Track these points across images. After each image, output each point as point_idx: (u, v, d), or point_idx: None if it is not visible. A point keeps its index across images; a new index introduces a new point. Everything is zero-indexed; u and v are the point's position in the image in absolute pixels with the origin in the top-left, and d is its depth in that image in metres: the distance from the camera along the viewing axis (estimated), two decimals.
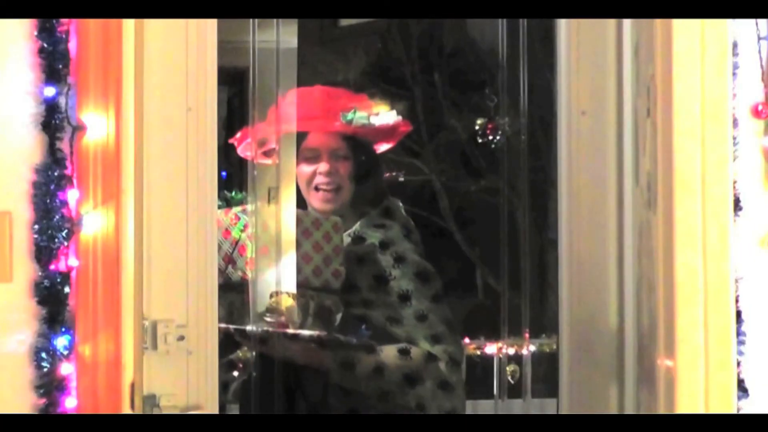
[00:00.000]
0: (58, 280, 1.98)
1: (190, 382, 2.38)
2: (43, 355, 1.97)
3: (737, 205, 2.02)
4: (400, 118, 3.16)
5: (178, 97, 2.18)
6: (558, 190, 3.27)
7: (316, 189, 2.99)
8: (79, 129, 1.99)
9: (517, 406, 3.90)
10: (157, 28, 2.14)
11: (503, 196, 3.86)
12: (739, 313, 2.01)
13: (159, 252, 2.28)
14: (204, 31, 2.22)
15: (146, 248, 2.09)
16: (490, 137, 5.35)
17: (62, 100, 1.99)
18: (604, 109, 3.20)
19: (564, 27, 3.25)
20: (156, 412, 2.12)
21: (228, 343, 2.76)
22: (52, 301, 1.98)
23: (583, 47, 3.22)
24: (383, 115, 3.11)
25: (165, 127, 2.29)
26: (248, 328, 2.74)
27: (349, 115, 3.06)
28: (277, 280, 2.89)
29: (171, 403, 2.24)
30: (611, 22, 3.17)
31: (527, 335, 3.90)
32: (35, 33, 2.00)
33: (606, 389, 3.20)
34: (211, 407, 2.25)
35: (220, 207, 2.98)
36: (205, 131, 2.24)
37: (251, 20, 2.87)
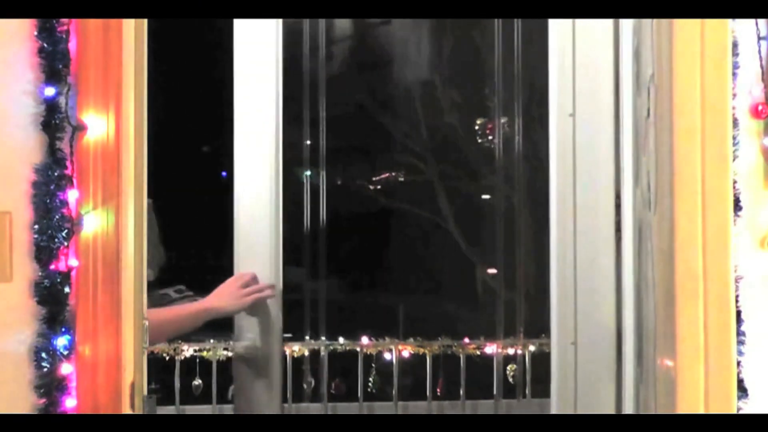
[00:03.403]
0: (58, 280, 1.98)
1: None
2: (43, 355, 1.97)
3: (737, 205, 2.02)
4: None
5: None
6: (549, 191, 3.28)
7: None
8: (79, 129, 1.99)
9: (516, 406, 3.90)
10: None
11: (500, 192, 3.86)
12: (739, 313, 2.01)
13: None
14: None
15: (146, 248, 2.09)
16: (490, 137, 5.35)
17: (62, 100, 1.99)
18: (599, 111, 3.21)
19: (556, 28, 3.26)
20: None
21: None
22: (52, 301, 1.98)
23: (578, 49, 3.23)
24: None
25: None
26: None
27: None
28: None
29: None
30: (607, 23, 3.18)
31: (521, 335, 3.90)
32: (35, 33, 2.00)
33: (605, 389, 3.20)
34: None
35: None
36: None
37: None
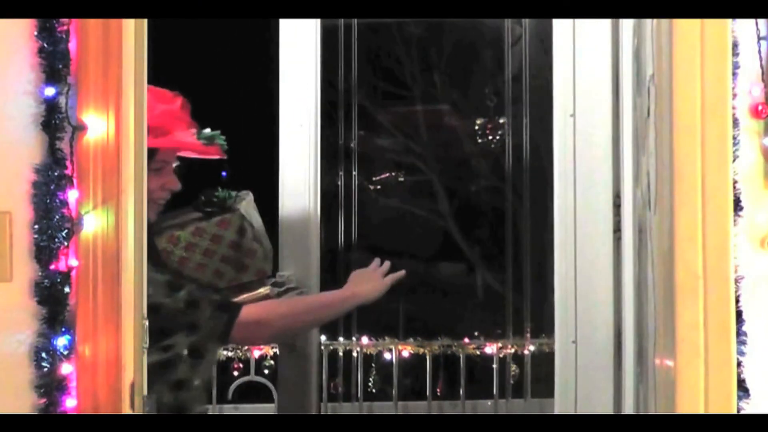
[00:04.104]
0: (58, 280, 1.98)
1: None
2: (43, 355, 1.97)
3: (737, 205, 2.02)
4: None
5: None
6: (553, 191, 3.29)
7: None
8: (79, 129, 1.99)
9: (516, 406, 3.90)
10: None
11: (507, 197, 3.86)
12: (739, 313, 2.01)
13: None
14: None
15: (146, 248, 2.09)
16: (490, 137, 5.35)
17: (62, 100, 1.99)
18: (599, 111, 3.21)
19: (556, 29, 3.26)
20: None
21: None
22: (52, 301, 1.98)
23: (578, 49, 3.23)
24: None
25: None
26: None
27: (213, 135, 2.91)
28: None
29: None
30: (607, 23, 3.18)
31: (528, 335, 3.91)
32: (35, 33, 2.00)
33: (605, 389, 3.20)
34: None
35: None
36: None
37: None
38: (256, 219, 3.09)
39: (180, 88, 2.78)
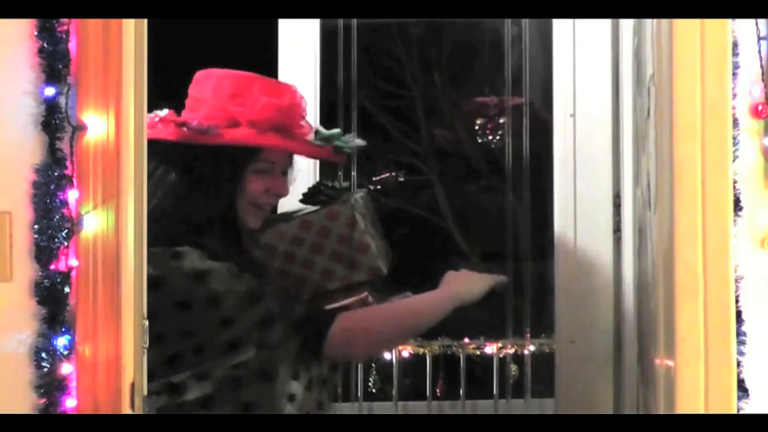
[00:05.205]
0: (58, 280, 1.98)
1: None
2: (43, 355, 1.97)
3: (737, 205, 2.02)
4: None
5: None
6: (553, 191, 3.29)
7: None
8: (79, 129, 1.99)
9: (516, 406, 3.90)
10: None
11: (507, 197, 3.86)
12: (739, 313, 2.01)
13: None
14: None
15: (146, 248, 2.09)
16: (490, 137, 5.35)
17: (62, 100, 1.98)
18: (599, 111, 3.21)
19: (556, 29, 3.27)
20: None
21: None
22: (52, 301, 1.98)
23: (579, 49, 3.23)
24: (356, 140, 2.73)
25: None
26: None
27: (332, 136, 2.65)
28: None
29: None
30: (608, 24, 3.18)
31: (528, 335, 3.90)
32: (35, 33, 2.00)
33: (605, 389, 3.20)
34: None
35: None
36: None
37: None
38: (370, 212, 2.75)
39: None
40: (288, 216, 2.71)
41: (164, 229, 2.38)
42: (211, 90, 2.53)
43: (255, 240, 2.59)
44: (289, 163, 2.61)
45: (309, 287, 2.62)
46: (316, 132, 2.62)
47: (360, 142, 2.71)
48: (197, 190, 2.47)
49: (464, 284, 2.65)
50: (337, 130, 2.65)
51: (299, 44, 3.33)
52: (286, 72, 3.31)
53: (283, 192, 2.58)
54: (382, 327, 2.54)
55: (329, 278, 2.62)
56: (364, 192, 2.81)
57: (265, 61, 3.36)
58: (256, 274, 2.44)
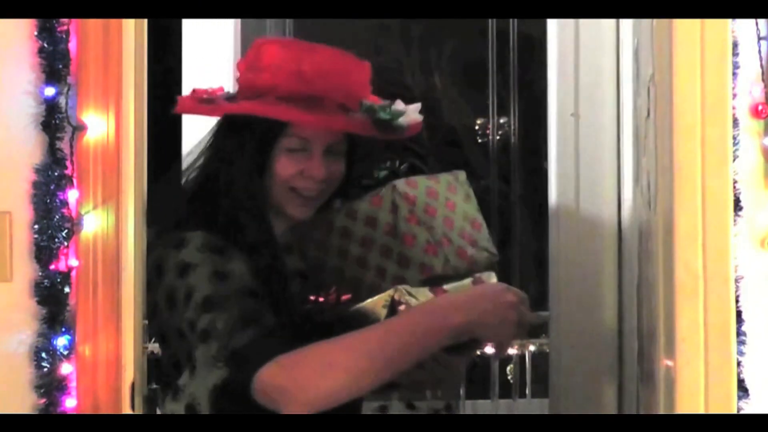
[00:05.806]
0: (58, 280, 1.98)
1: None
2: (43, 355, 1.97)
3: (737, 205, 2.02)
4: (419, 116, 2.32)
5: None
6: (548, 191, 3.29)
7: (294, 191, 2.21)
8: (79, 129, 1.99)
9: (516, 406, 3.90)
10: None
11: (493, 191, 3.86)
12: (739, 313, 2.01)
13: None
14: None
15: (146, 248, 2.09)
16: (490, 137, 5.36)
17: (62, 100, 1.99)
18: (600, 111, 3.21)
19: (556, 28, 3.27)
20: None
21: None
22: (52, 301, 1.98)
23: (581, 49, 3.23)
24: (408, 109, 2.29)
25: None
26: None
27: (373, 107, 2.22)
28: None
29: None
30: (608, 23, 3.18)
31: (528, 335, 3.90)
32: (35, 33, 2.00)
33: (605, 389, 3.20)
34: None
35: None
36: None
37: None
38: (420, 197, 2.18)
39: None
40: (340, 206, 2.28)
41: (194, 212, 2.18)
42: (250, 58, 2.22)
43: (304, 232, 2.23)
44: (339, 141, 2.21)
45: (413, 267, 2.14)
46: (377, 109, 2.21)
47: (401, 107, 2.27)
48: (219, 166, 2.19)
49: (483, 312, 2.03)
50: (400, 109, 2.25)
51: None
52: None
53: (316, 174, 2.17)
54: (338, 370, 2.01)
55: (382, 279, 2.15)
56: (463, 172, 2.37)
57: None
58: (276, 271, 2.13)
